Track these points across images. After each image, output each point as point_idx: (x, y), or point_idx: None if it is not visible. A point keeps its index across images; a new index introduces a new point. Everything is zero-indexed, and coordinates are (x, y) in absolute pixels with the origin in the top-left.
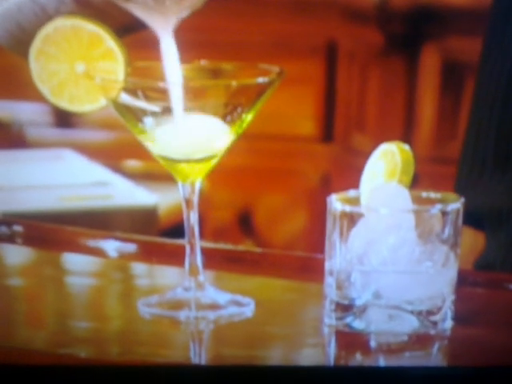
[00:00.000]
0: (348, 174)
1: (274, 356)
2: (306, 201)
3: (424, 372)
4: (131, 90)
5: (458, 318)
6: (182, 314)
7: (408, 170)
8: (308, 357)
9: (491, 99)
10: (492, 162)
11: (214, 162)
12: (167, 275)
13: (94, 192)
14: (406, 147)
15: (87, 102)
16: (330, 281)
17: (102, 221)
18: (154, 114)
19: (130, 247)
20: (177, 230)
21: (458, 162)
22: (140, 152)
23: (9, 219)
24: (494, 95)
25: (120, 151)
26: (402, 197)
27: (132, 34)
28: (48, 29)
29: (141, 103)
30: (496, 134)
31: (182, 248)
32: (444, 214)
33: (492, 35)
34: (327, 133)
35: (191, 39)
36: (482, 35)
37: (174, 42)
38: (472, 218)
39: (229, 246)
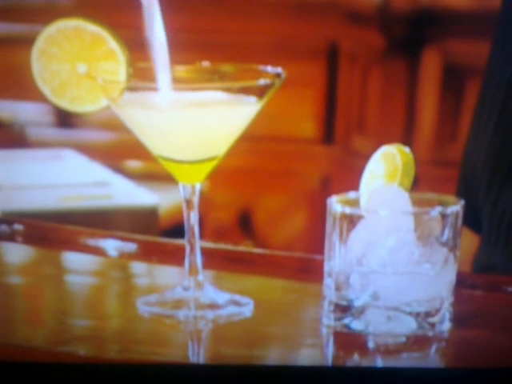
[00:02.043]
0: (348, 176)
1: (273, 356)
2: (306, 202)
3: (421, 373)
4: (132, 91)
5: (456, 320)
6: (181, 314)
7: (408, 173)
8: (306, 357)
9: (490, 104)
10: (494, 167)
11: (215, 163)
12: (167, 275)
13: (94, 192)
14: (407, 150)
15: (88, 102)
16: (328, 282)
17: (102, 221)
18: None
19: (130, 246)
20: (177, 230)
21: (459, 165)
22: (141, 152)
23: (9, 218)
24: (493, 99)
25: (121, 151)
26: (402, 199)
27: None
28: (50, 29)
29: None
30: (495, 139)
31: (182, 248)
32: (443, 216)
33: (496, 41)
34: (328, 134)
35: (192, 41)
36: (483, 38)
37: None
38: (472, 219)
39: (228, 247)
